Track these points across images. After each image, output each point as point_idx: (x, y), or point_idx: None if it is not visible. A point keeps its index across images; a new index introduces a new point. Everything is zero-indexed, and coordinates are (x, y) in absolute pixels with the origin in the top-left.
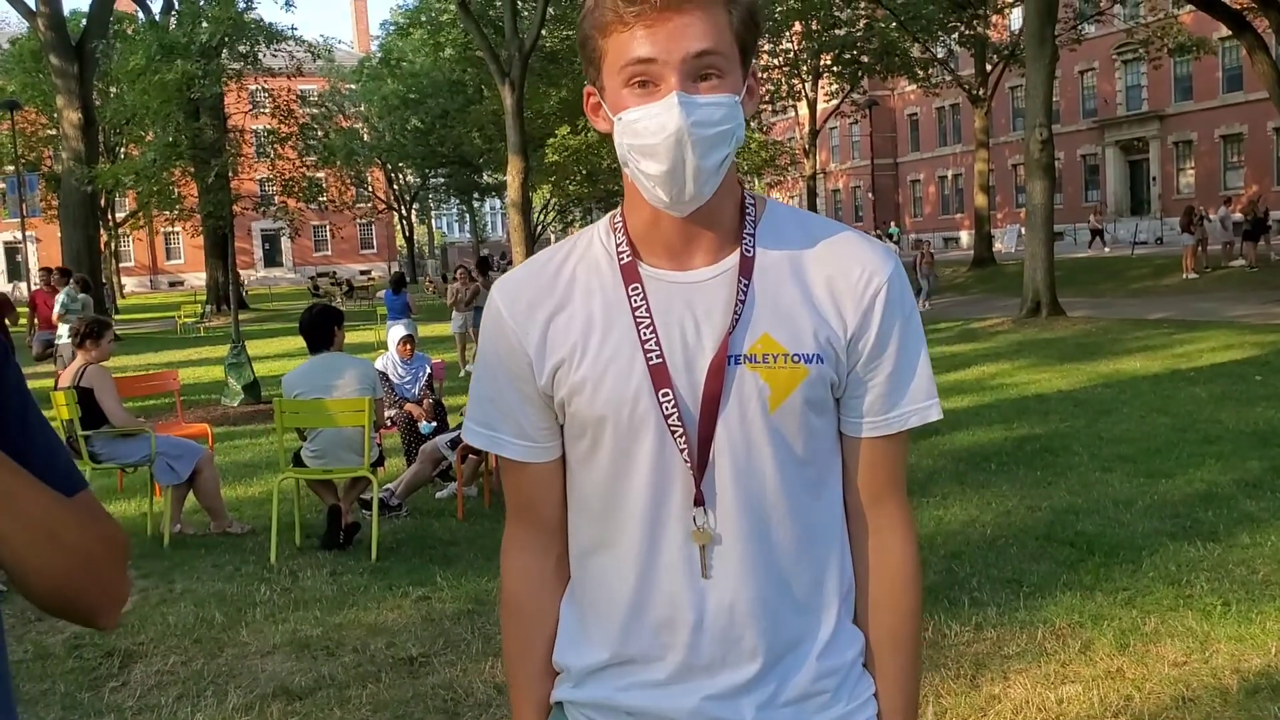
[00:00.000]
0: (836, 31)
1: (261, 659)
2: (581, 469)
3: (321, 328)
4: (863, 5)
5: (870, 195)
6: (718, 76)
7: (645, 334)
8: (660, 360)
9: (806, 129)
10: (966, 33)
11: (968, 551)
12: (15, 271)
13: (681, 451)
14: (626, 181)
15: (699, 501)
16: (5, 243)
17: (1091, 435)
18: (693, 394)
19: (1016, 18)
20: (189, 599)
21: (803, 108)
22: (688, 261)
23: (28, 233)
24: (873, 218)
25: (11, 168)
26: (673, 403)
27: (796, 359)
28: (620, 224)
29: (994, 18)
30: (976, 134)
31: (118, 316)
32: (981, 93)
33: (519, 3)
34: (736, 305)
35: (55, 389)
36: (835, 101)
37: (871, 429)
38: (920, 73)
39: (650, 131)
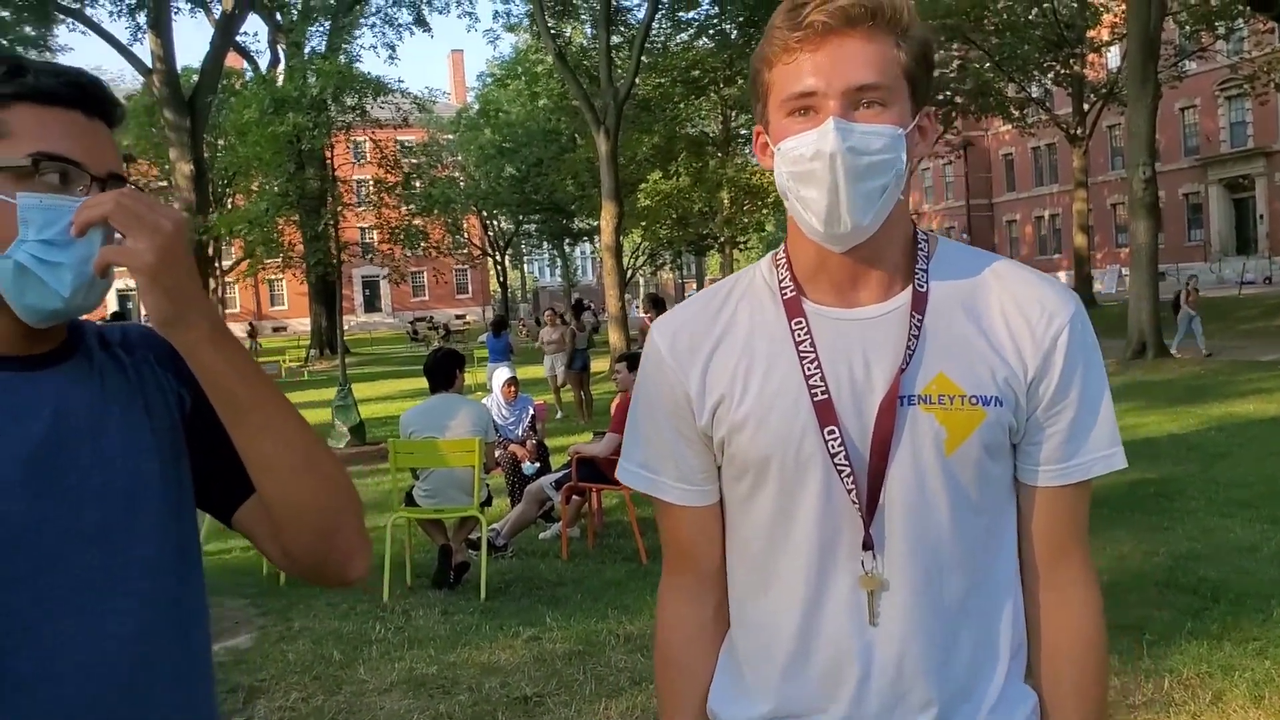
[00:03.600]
0: None
1: (379, 696)
2: (742, 512)
3: (445, 369)
4: (956, 46)
5: (965, 236)
6: (880, 106)
7: (810, 370)
8: (826, 397)
9: None
10: (1063, 72)
11: None
12: (125, 319)
13: (849, 493)
14: (790, 219)
15: (868, 545)
16: (119, 290)
17: (1207, 479)
18: (861, 433)
19: (1114, 56)
20: (307, 637)
21: None
22: (855, 299)
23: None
24: None
25: None
26: (839, 441)
27: (975, 401)
28: (784, 260)
29: (1091, 56)
30: (1075, 173)
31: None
32: (1079, 132)
33: (614, 53)
34: (910, 342)
35: None
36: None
37: (1050, 477)
38: (1016, 113)
39: (806, 157)
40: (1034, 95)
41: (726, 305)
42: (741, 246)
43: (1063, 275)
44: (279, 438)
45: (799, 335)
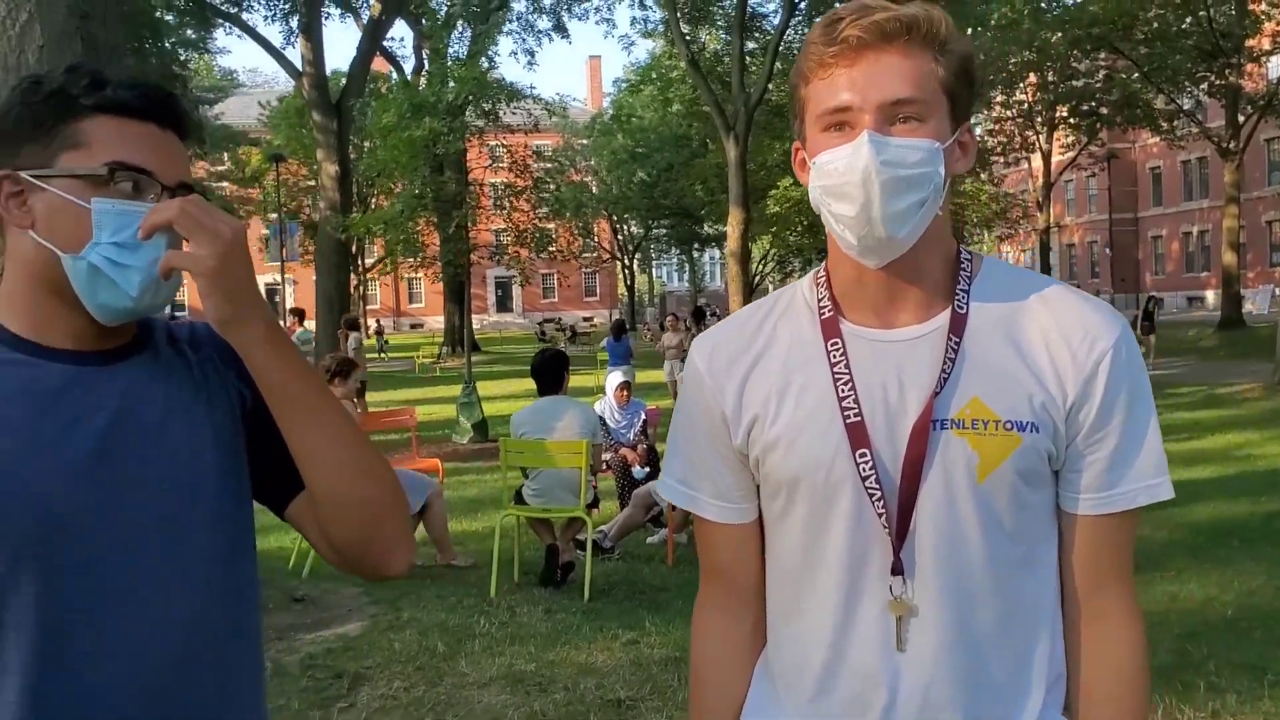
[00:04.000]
0: (1074, 82)
1: (478, 690)
2: (777, 530)
3: (552, 371)
4: (1103, 56)
5: (1108, 251)
6: (917, 121)
7: (844, 391)
8: (859, 419)
9: (1040, 181)
10: (1217, 83)
11: (1205, 632)
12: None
13: (880, 516)
14: (829, 236)
15: (897, 570)
16: (266, 284)
17: None
18: (893, 457)
19: (1275, 66)
20: (414, 627)
21: (1036, 159)
22: (893, 319)
23: (286, 276)
24: (1110, 274)
25: (275, 215)
26: (871, 464)
27: (1009, 427)
28: (824, 279)
29: (1248, 66)
30: (1226, 188)
31: (375, 356)
32: (1233, 145)
33: (747, 58)
34: (945, 365)
35: None
36: (1071, 153)
37: (1092, 506)
38: (1164, 124)
39: (839, 171)
40: (1184, 107)
41: (766, 323)
42: None
43: (1210, 294)
44: (326, 432)
45: (834, 356)
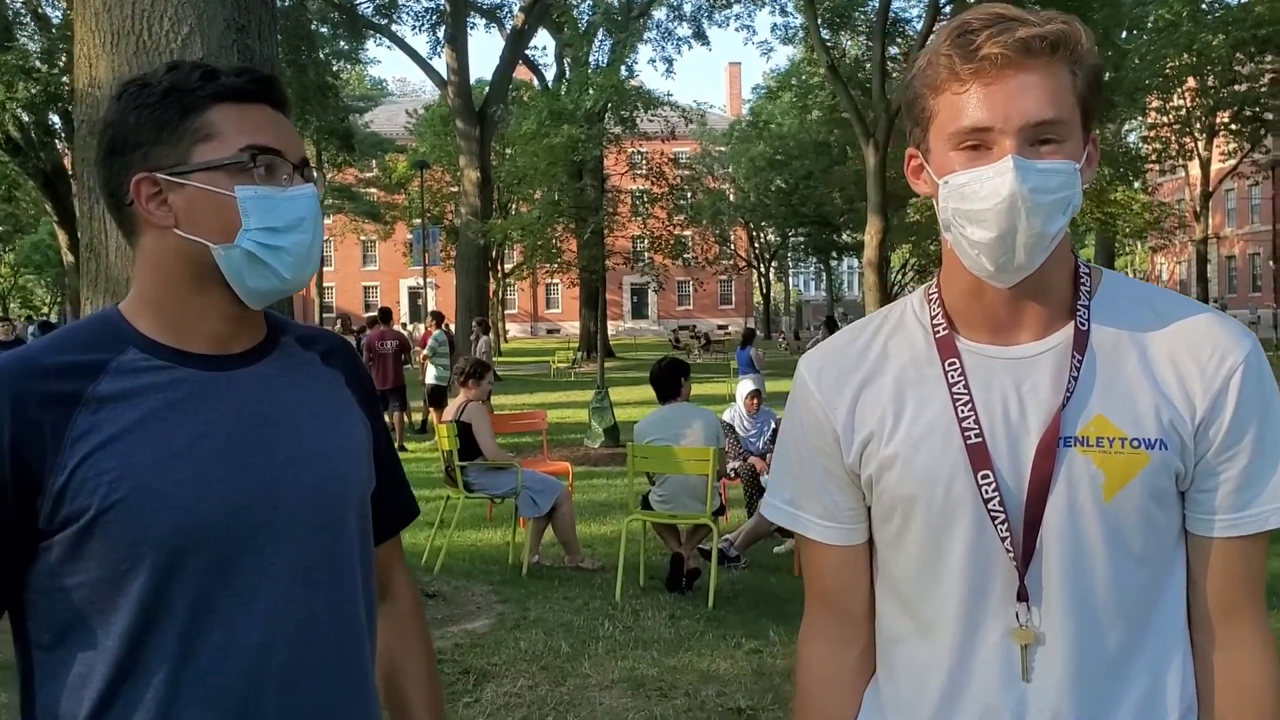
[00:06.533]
0: (1236, 87)
1: (600, 692)
2: (891, 553)
3: (670, 379)
4: (1269, 58)
5: (1271, 264)
6: (1057, 142)
7: (963, 411)
8: (980, 440)
9: (1198, 190)
10: None
11: None
12: (416, 314)
13: (1003, 540)
14: (946, 250)
15: (1023, 596)
16: (410, 288)
17: None
18: (1016, 478)
19: None
20: (540, 627)
21: (1194, 167)
22: (1013, 336)
23: (428, 279)
24: (1273, 288)
25: (419, 220)
26: (994, 486)
27: (1136, 444)
28: (935, 295)
29: None
30: None
31: (499, 359)
32: None
33: (888, 64)
34: (1070, 382)
35: (439, 422)
36: (1233, 161)
37: (1224, 528)
38: None
39: (981, 196)
40: None
41: (876, 340)
42: None
43: None
44: None
45: (953, 376)
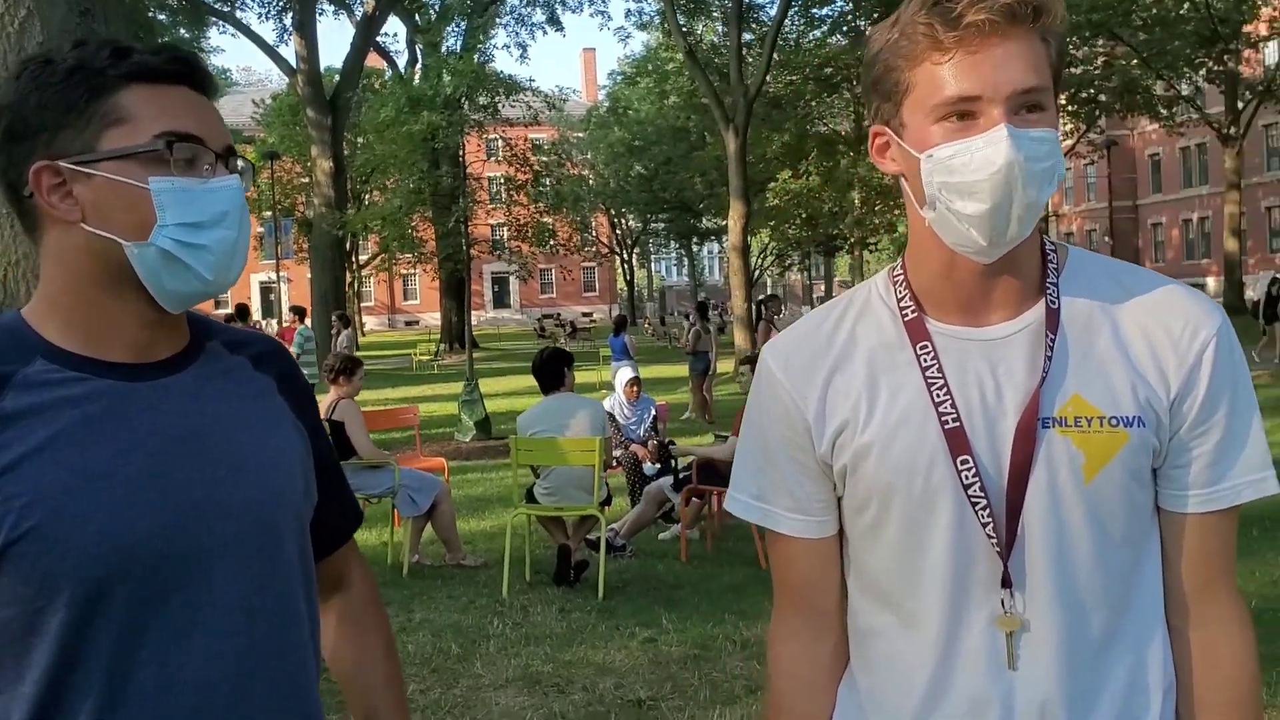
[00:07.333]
0: (1072, 70)
1: (495, 692)
2: (867, 544)
3: (553, 369)
4: (1101, 42)
5: (1108, 239)
6: (1042, 110)
7: (939, 395)
8: (958, 424)
9: None
10: (1216, 69)
11: None
12: (269, 309)
13: (985, 526)
14: (915, 229)
15: (1007, 582)
16: (261, 283)
17: None
18: (995, 461)
19: (1272, 52)
20: (427, 629)
21: None
22: (984, 316)
23: (281, 273)
24: None
25: (269, 213)
26: (974, 471)
27: (1115, 422)
28: (901, 276)
29: (1246, 52)
30: (1227, 175)
31: (358, 354)
32: (1233, 131)
33: (744, 50)
34: (1045, 362)
35: None
36: (1070, 141)
37: (1198, 504)
38: (1164, 111)
39: (972, 168)
40: (1184, 93)
41: (842, 325)
42: (872, 248)
43: (1211, 281)
44: None
45: (925, 360)
